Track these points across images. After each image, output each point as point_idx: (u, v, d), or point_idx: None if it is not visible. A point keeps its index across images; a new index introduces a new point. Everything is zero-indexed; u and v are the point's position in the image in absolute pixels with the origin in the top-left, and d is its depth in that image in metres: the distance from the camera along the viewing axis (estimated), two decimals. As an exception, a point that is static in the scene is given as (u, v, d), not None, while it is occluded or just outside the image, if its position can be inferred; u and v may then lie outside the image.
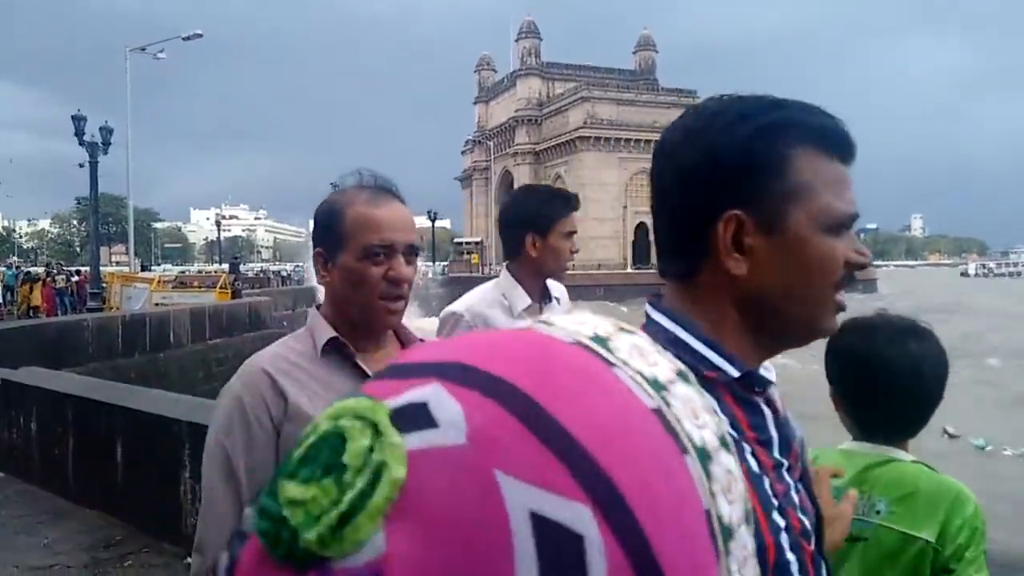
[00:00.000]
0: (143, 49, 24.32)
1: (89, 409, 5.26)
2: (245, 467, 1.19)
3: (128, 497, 4.88)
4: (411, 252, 1.28)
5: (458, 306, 2.23)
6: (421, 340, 1.33)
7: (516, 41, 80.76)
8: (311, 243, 1.39)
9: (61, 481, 5.41)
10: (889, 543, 1.29)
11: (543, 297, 2.27)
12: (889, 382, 1.34)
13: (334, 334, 1.27)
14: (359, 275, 1.25)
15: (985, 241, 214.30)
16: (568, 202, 2.25)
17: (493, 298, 2.22)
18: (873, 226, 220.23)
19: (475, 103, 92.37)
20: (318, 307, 1.36)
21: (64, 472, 5.39)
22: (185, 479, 4.36)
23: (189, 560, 4.22)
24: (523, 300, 2.21)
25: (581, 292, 53.93)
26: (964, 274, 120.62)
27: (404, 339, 1.35)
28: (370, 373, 1.21)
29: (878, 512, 1.32)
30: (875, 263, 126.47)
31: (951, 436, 13.24)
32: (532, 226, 2.19)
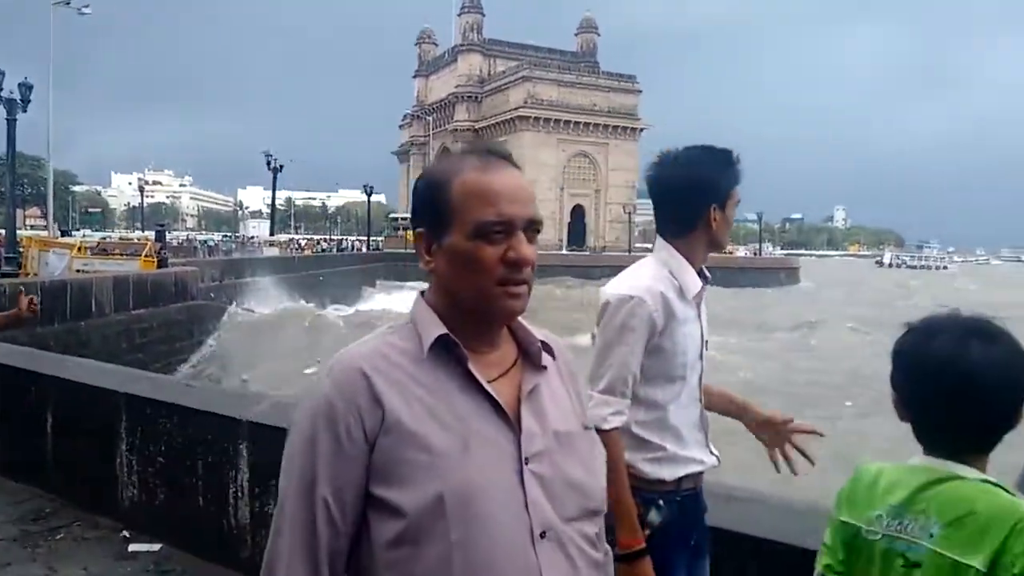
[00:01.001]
0: (67, 3, 22.99)
1: (14, 377, 5.07)
2: (330, 485, 1.01)
3: (58, 469, 4.75)
4: (532, 228, 1.08)
5: (632, 289, 1.85)
6: (543, 342, 1.13)
7: (458, 15, 79.84)
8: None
9: (-16, 453, 5.21)
10: (940, 570, 1.17)
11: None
12: (949, 387, 1.21)
13: (443, 330, 1.06)
14: (471, 258, 1.04)
15: (902, 235, 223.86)
16: (738, 164, 1.92)
17: (665, 278, 1.87)
18: (798, 216, 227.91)
19: (415, 77, 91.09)
20: (422, 294, 1.14)
21: (-12, 443, 5.19)
22: (122, 451, 4.27)
23: (126, 534, 4.13)
24: (695, 282, 1.90)
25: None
26: (879, 263, 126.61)
27: (521, 337, 1.13)
28: (483, 381, 1.05)
29: (931, 535, 1.19)
30: (798, 253, 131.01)
31: None
32: (714, 195, 1.89)
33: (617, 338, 1.82)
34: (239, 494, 3.72)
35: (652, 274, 1.88)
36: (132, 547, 4.00)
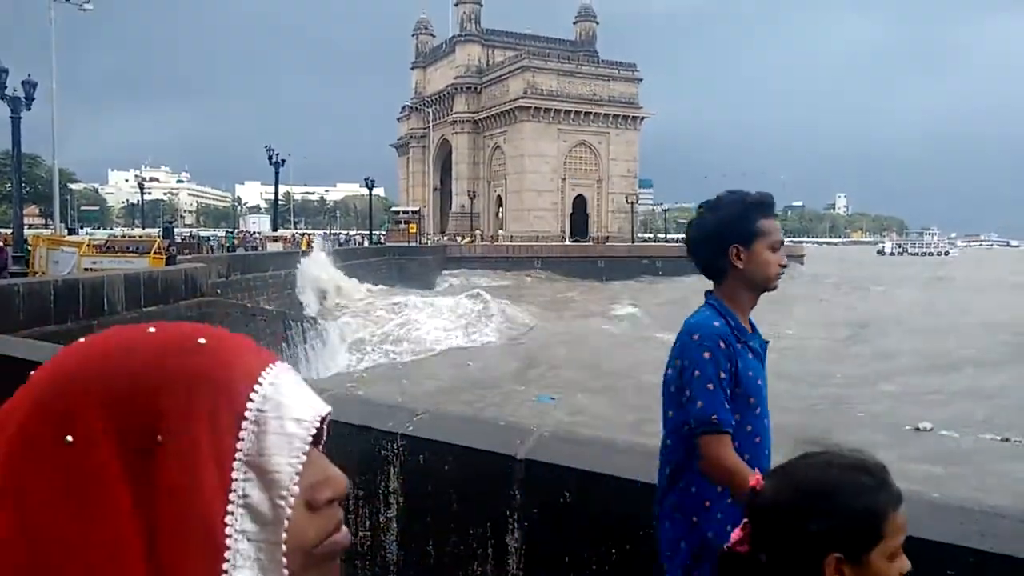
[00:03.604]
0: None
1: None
2: None
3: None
4: None
5: None
6: None
7: (456, 5, 79.60)
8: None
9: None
10: None
11: None
12: None
13: None
14: None
15: (904, 220, 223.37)
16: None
17: None
18: (799, 203, 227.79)
19: (412, 68, 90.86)
20: None
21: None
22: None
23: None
24: None
25: (519, 264, 54.04)
26: (880, 252, 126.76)
27: None
28: None
29: None
30: (800, 240, 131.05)
31: (920, 430, 14.51)
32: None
33: None
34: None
35: None
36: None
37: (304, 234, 65.89)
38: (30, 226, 56.25)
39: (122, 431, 0.53)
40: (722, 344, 1.86)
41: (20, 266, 18.91)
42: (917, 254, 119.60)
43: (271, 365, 0.59)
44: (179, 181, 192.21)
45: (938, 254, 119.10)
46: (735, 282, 1.95)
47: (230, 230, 61.47)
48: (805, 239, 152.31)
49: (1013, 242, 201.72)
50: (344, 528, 0.62)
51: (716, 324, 1.89)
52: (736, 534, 1.17)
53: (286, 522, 0.56)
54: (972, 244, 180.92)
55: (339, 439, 3.50)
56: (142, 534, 0.53)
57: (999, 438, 14.06)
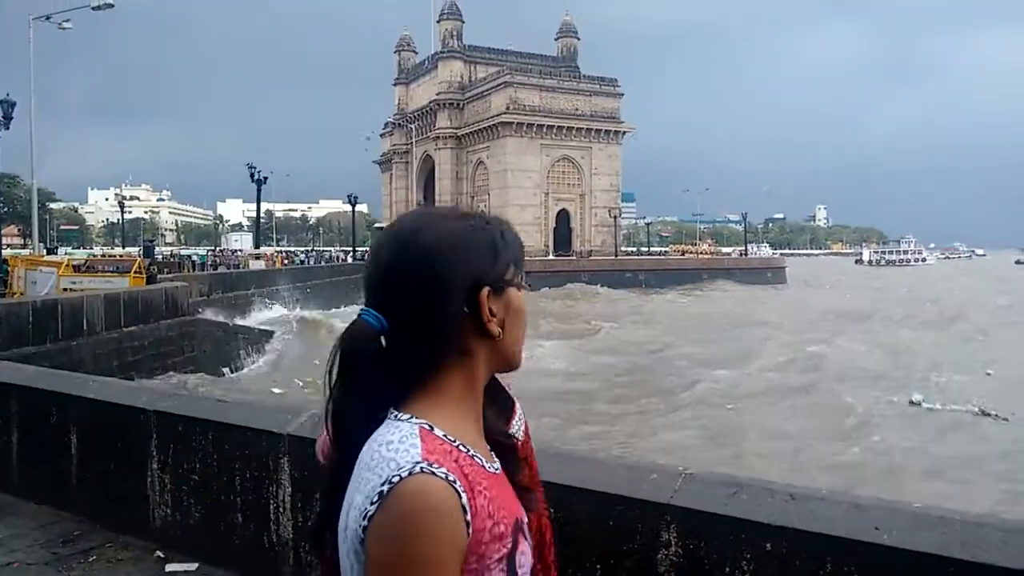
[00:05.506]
0: (48, 18, 22.71)
1: (37, 399, 4.95)
2: None
3: (84, 490, 4.64)
4: None
5: None
6: None
7: (438, 22, 79.86)
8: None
9: (2, 475, 5.09)
10: None
11: None
12: None
13: None
14: None
15: (883, 231, 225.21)
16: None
17: None
18: (780, 216, 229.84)
19: (395, 85, 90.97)
20: None
21: (7, 466, 5.07)
22: (153, 470, 4.18)
23: (160, 554, 4.04)
24: None
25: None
26: (858, 262, 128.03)
27: None
28: None
29: None
30: (782, 252, 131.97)
31: (914, 403, 16.43)
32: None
33: None
34: (280, 509, 3.65)
35: None
36: (169, 567, 3.91)
37: (277, 251, 65.08)
38: (9, 246, 55.52)
39: None
40: None
41: (-1, 287, 18.66)
42: (895, 262, 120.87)
43: None
44: (160, 199, 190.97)
45: (915, 262, 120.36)
46: None
47: (210, 248, 60.98)
48: (786, 251, 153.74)
49: (979, 251, 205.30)
50: None
51: None
52: None
53: None
54: (952, 257, 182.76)
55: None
56: None
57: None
